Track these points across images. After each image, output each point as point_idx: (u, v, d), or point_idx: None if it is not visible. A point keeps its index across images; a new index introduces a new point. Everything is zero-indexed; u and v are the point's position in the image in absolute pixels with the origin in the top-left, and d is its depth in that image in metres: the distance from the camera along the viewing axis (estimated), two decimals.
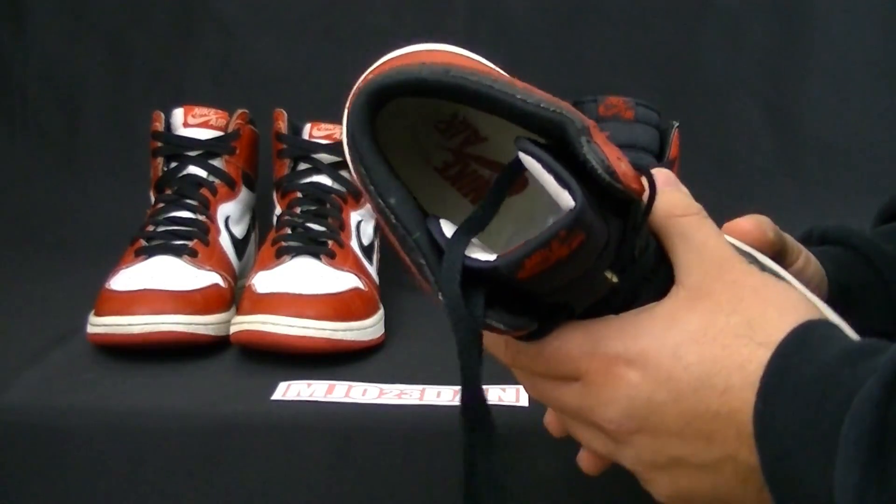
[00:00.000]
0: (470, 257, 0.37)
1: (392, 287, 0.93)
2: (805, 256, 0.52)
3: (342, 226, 0.87)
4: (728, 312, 0.40)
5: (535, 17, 1.18)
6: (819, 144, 1.17)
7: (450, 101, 0.40)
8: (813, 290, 0.50)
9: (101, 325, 0.76)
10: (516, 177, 0.42)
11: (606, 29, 1.18)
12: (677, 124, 0.89)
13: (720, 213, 1.24)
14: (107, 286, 0.79)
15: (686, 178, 0.93)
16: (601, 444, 0.43)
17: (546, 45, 1.18)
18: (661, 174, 0.43)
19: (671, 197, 0.43)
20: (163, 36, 1.20)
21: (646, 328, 0.40)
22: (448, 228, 0.39)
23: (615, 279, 0.39)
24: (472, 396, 0.39)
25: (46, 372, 0.75)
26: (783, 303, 0.41)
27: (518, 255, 0.36)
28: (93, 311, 0.78)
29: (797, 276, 0.50)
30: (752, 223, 0.49)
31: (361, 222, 0.89)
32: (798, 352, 0.37)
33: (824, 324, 0.39)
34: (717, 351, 0.39)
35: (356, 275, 0.83)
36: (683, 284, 0.41)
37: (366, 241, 0.89)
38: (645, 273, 0.41)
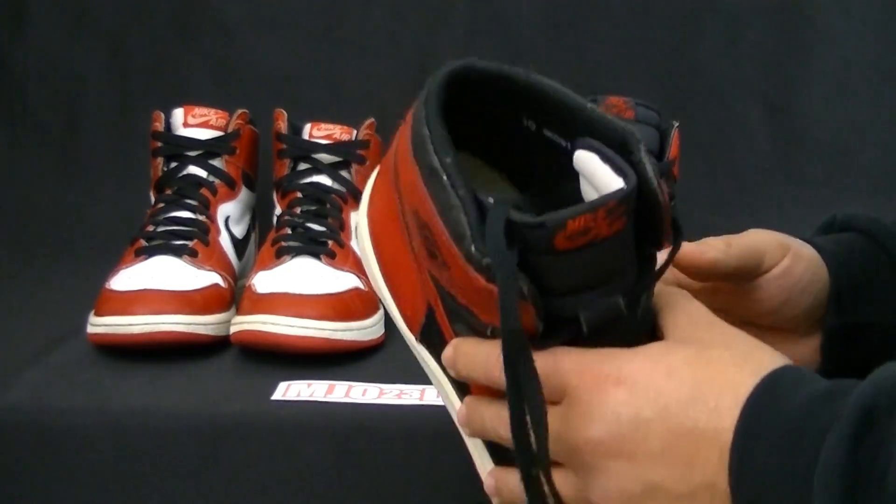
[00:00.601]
0: (514, 214, 0.38)
1: None
2: (793, 255, 0.51)
3: (342, 226, 0.87)
4: (721, 347, 0.40)
5: (536, 17, 1.18)
6: (819, 144, 1.17)
7: (522, 100, 0.43)
8: (801, 291, 0.51)
9: (101, 325, 0.76)
10: (569, 178, 0.43)
11: (606, 29, 1.18)
12: (677, 124, 0.89)
13: (720, 213, 1.25)
14: (107, 286, 0.79)
15: (686, 178, 0.93)
16: (567, 481, 0.41)
17: (546, 45, 1.18)
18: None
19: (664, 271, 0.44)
20: (163, 36, 1.20)
21: (639, 354, 0.40)
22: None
23: (624, 310, 0.40)
24: (513, 326, 0.38)
25: (46, 372, 0.75)
26: (772, 350, 0.41)
27: (565, 213, 0.37)
28: (93, 311, 0.78)
29: (781, 277, 0.50)
30: (691, 248, 0.49)
31: None
32: (783, 383, 0.37)
33: (805, 370, 0.39)
34: (709, 372, 0.39)
35: (356, 275, 0.83)
36: (673, 336, 0.42)
37: None
38: (642, 330, 0.42)
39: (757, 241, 0.51)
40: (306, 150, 0.89)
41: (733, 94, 1.18)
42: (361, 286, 0.82)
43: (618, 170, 0.39)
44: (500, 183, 0.47)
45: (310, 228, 0.85)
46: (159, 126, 0.91)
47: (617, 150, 0.40)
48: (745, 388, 0.37)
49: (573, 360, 0.40)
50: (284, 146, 0.90)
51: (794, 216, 1.14)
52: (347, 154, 0.90)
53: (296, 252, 0.82)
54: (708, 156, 1.14)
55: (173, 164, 0.89)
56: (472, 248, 0.38)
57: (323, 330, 0.75)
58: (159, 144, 0.90)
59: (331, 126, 0.91)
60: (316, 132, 0.90)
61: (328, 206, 0.87)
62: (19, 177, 1.21)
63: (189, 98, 0.95)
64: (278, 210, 0.89)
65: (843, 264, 0.52)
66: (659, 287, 0.43)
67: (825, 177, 1.16)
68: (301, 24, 1.19)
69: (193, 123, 0.90)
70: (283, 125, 0.91)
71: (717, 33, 1.18)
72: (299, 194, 0.88)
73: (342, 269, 0.82)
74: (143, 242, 0.84)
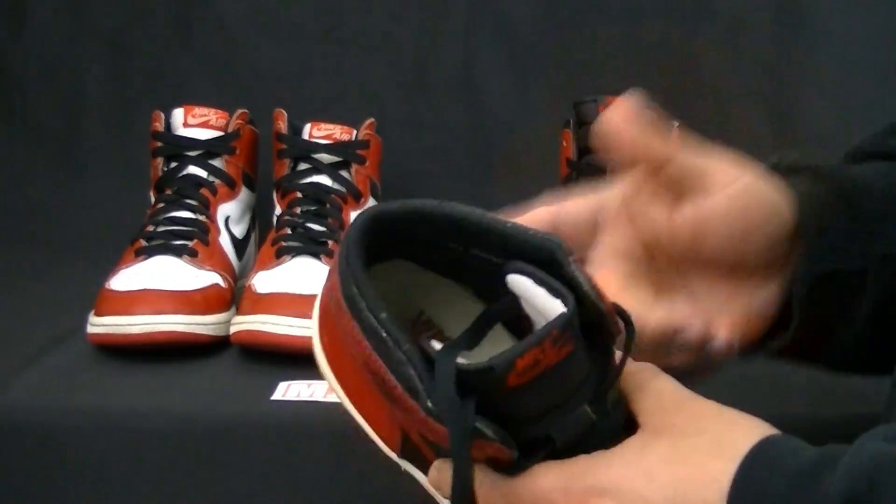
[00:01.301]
0: (462, 363, 0.38)
1: None
2: (750, 181, 0.47)
3: (342, 226, 0.87)
4: (694, 434, 0.40)
5: (536, 17, 1.18)
6: (819, 144, 1.17)
7: (443, 231, 0.42)
8: (762, 222, 0.46)
9: (101, 325, 0.76)
10: (504, 310, 0.42)
11: (606, 29, 1.18)
12: (677, 124, 0.89)
13: None
14: (107, 286, 0.79)
15: None
16: None
17: (546, 45, 1.18)
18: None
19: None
20: (163, 36, 1.20)
21: (616, 459, 0.40)
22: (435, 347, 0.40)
23: (594, 416, 0.40)
24: (465, 498, 0.39)
25: (46, 372, 0.75)
26: (745, 422, 0.41)
27: (512, 353, 0.37)
28: (93, 311, 0.78)
29: (744, 195, 0.46)
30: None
31: None
32: (762, 464, 0.37)
33: (785, 437, 0.39)
34: (689, 469, 0.38)
35: None
36: (647, 425, 0.41)
37: None
38: (616, 425, 0.42)
39: (707, 150, 0.47)
40: (306, 150, 0.89)
41: (733, 94, 1.18)
42: None
43: (553, 291, 0.39)
44: (440, 286, 0.46)
45: (310, 228, 0.85)
46: (159, 126, 0.91)
47: (547, 267, 0.40)
48: (726, 478, 0.37)
49: (554, 478, 0.40)
50: (284, 146, 0.90)
51: None
52: (347, 154, 0.90)
53: (296, 252, 0.82)
54: None
55: (173, 164, 0.89)
56: (429, 403, 0.38)
57: None
58: (159, 144, 0.90)
59: (331, 126, 0.91)
60: (316, 132, 0.90)
61: (328, 206, 0.87)
62: (19, 177, 1.21)
63: (189, 98, 0.95)
64: (278, 210, 0.89)
65: (809, 206, 0.48)
66: (626, 368, 0.43)
67: None
68: (301, 24, 1.19)
69: (193, 123, 0.90)
70: (283, 125, 0.91)
71: (717, 33, 1.18)
72: (299, 194, 0.88)
73: None
74: (143, 242, 0.84)
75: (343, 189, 0.89)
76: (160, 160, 0.90)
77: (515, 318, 0.42)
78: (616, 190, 0.49)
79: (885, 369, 0.51)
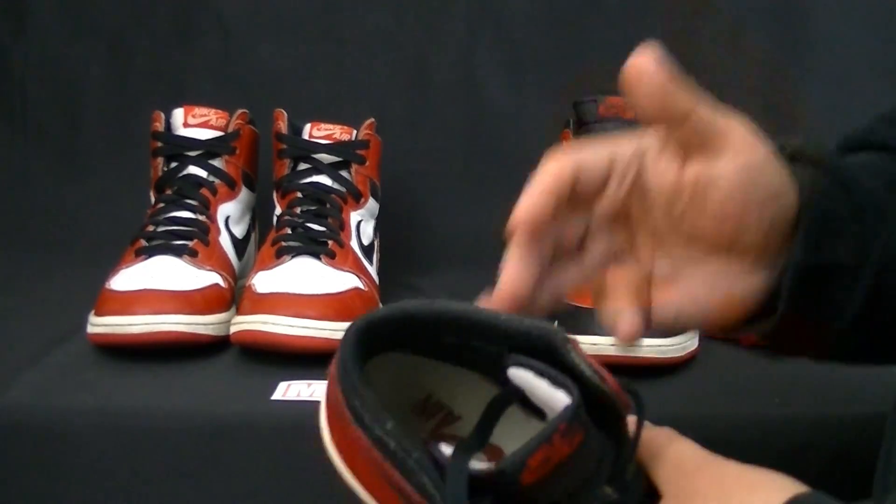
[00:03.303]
0: (474, 467, 0.38)
1: (392, 287, 0.93)
2: (766, 153, 0.46)
3: (342, 226, 0.87)
4: (717, 501, 0.39)
5: (535, 17, 1.18)
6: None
7: (437, 330, 0.42)
8: (765, 200, 0.45)
9: (101, 325, 0.76)
10: (508, 400, 0.42)
11: (606, 29, 1.18)
12: None
13: None
14: (107, 286, 0.79)
15: None
16: None
17: (546, 45, 1.18)
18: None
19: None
20: (163, 36, 1.20)
21: None
22: (445, 451, 0.40)
23: (615, 496, 0.40)
24: None
25: (46, 372, 0.75)
26: (767, 484, 0.40)
27: (522, 453, 0.37)
28: (93, 311, 0.78)
29: (750, 170, 0.45)
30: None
31: (361, 222, 0.89)
32: None
33: (813, 494, 0.38)
34: None
35: (356, 275, 0.83)
36: (669, 493, 0.41)
37: (366, 241, 0.89)
38: (639, 497, 0.41)
39: (728, 114, 0.46)
40: (306, 150, 0.89)
41: (733, 94, 1.18)
42: (361, 286, 0.82)
43: (556, 383, 0.39)
44: (445, 369, 0.46)
45: (310, 228, 0.85)
46: (159, 126, 0.91)
47: (546, 357, 0.40)
48: None
49: None
50: (284, 146, 0.90)
51: None
52: (347, 154, 0.90)
53: (296, 252, 0.82)
54: None
55: (173, 164, 0.89)
56: None
57: (323, 330, 0.75)
58: (159, 144, 0.90)
59: (331, 126, 0.91)
60: (316, 132, 0.90)
61: (328, 206, 0.87)
62: (19, 177, 1.21)
63: (189, 98, 0.95)
64: (278, 210, 0.89)
65: (810, 195, 0.47)
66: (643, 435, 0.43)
67: None
68: (301, 24, 1.19)
69: (193, 123, 0.90)
70: (283, 125, 0.91)
71: (717, 33, 1.18)
72: (299, 194, 0.88)
73: (342, 269, 0.82)
74: (143, 242, 0.84)
75: (343, 189, 0.89)
76: (160, 160, 0.90)
77: (526, 397, 0.42)
78: (631, 141, 0.48)
79: (869, 362, 0.51)
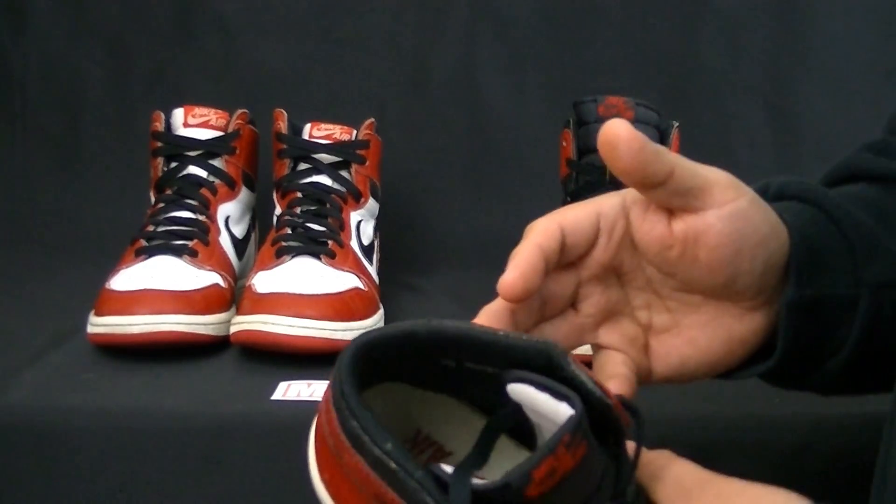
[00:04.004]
0: (476, 484, 0.38)
1: (392, 287, 0.93)
2: (751, 199, 0.46)
3: (342, 226, 0.87)
4: None
5: (535, 17, 1.18)
6: (819, 144, 1.17)
7: (435, 350, 0.42)
8: (755, 245, 0.45)
9: (101, 325, 0.76)
10: (507, 419, 0.42)
11: (606, 29, 1.18)
12: (677, 124, 0.89)
13: None
14: (107, 286, 0.79)
15: None
16: None
17: (546, 45, 1.18)
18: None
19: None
20: (163, 36, 1.20)
21: None
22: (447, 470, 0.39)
23: None
24: None
25: (46, 372, 0.75)
26: (771, 497, 0.40)
27: (527, 466, 0.36)
28: (93, 311, 0.78)
29: (735, 219, 0.45)
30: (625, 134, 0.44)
31: (361, 222, 0.89)
32: None
33: None
34: None
35: (356, 275, 0.83)
36: None
37: (366, 241, 0.89)
38: None
39: (706, 169, 0.46)
40: (306, 150, 0.89)
41: (733, 94, 1.18)
42: (361, 286, 0.82)
43: (557, 395, 0.38)
44: (435, 402, 0.46)
45: (310, 228, 0.85)
46: (159, 126, 0.91)
47: (546, 371, 0.40)
48: None
49: None
50: (284, 146, 0.90)
51: None
52: (347, 154, 0.90)
53: (296, 252, 0.82)
54: (708, 156, 1.14)
55: (173, 164, 0.89)
56: None
57: (323, 330, 0.75)
58: (159, 144, 0.90)
59: (331, 126, 0.91)
60: (316, 132, 0.90)
61: (328, 206, 0.87)
62: (19, 177, 1.21)
63: (189, 98, 0.95)
64: (278, 210, 0.89)
65: (800, 232, 0.47)
66: (642, 457, 0.43)
67: None
68: (301, 24, 1.19)
69: (193, 123, 0.90)
70: (283, 125, 0.91)
71: (717, 33, 1.18)
72: (299, 194, 0.88)
73: (342, 269, 0.82)
74: (143, 242, 0.84)
75: (343, 189, 0.89)
76: (160, 160, 0.90)
77: (518, 425, 0.41)
78: (615, 198, 0.48)
79: (871, 390, 0.51)
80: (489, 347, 0.41)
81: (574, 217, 0.47)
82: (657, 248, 0.47)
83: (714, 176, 0.46)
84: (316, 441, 0.44)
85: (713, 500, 0.40)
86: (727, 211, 0.45)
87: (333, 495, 0.44)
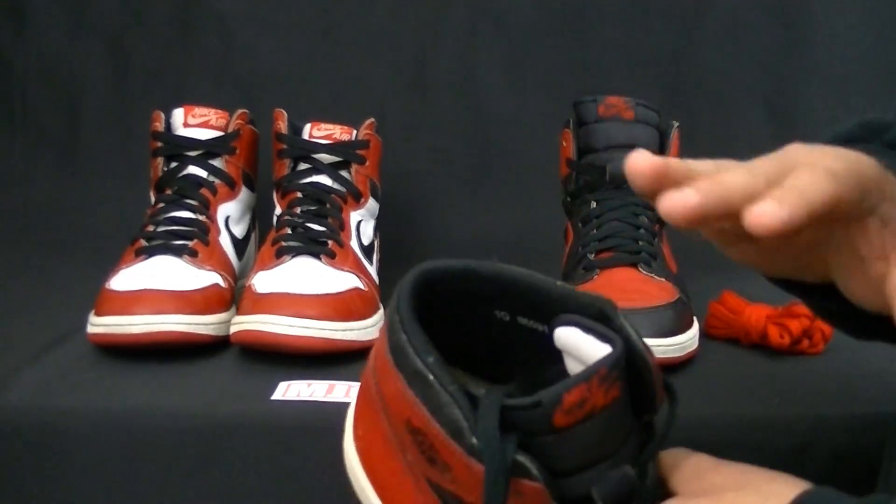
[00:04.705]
0: (507, 399, 0.38)
1: (392, 287, 0.93)
2: (892, 190, 0.40)
3: (342, 226, 0.87)
4: (736, 488, 0.39)
5: (536, 17, 1.18)
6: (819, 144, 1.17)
7: (492, 293, 0.42)
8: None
9: (101, 325, 0.76)
10: (552, 361, 0.43)
11: (606, 29, 1.18)
12: (677, 124, 0.89)
13: None
14: (107, 286, 0.79)
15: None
16: None
17: (546, 45, 1.18)
18: None
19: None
20: (163, 36, 1.20)
21: None
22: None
23: (636, 478, 0.40)
24: None
25: (46, 372, 0.75)
26: (784, 477, 0.40)
27: (560, 388, 0.37)
28: (93, 311, 0.78)
29: (891, 222, 0.40)
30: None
31: (361, 222, 0.89)
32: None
33: (826, 489, 0.38)
34: None
35: (356, 275, 0.83)
36: (685, 491, 0.41)
37: (366, 241, 0.89)
38: (655, 493, 0.42)
39: (858, 163, 0.39)
40: (306, 150, 0.89)
41: (733, 94, 1.18)
42: (361, 286, 0.82)
43: (602, 337, 0.39)
44: (481, 387, 0.46)
45: (310, 228, 0.85)
46: (159, 126, 0.91)
47: (596, 321, 0.40)
48: None
49: None
50: (284, 146, 0.90)
51: None
52: (347, 154, 0.90)
53: (296, 252, 0.82)
54: (708, 156, 1.14)
55: (173, 164, 0.89)
56: (474, 440, 0.38)
57: (323, 330, 0.75)
58: (159, 144, 0.90)
59: (331, 126, 0.91)
60: (316, 132, 0.90)
61: (328, 206, 0.87)
62: (19, 177, 1.21)
63: (189, 98, 0.95)
64: (278, 210, 0.89)
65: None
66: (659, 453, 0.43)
67: None
68: (301, 24, 1.19)
69: (193, 123, 0.90)
70: (283, 125, 0.91)
71: (717, 33, 1.18)
72: (299, 194, 0.88)
73: (342, 269, 0.82)
74: (143, 242, 0.84)
75: (343, 189, 0.89)
76: (160, 160, 0.90)
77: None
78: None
79: None
80: (543, 296, 0.42)
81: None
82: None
83: (864, 166, 0.41)
84: (359, 396, 0.46)
85: (729, 476, 0.40)
86: (887, 212, 0.41)
87: (363, 451, 0.45)
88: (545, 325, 0.42)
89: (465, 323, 0.45)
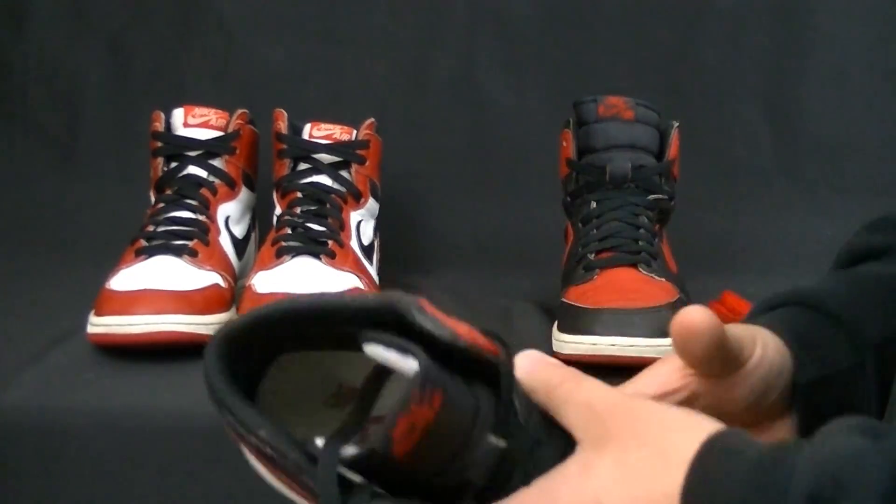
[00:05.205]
0: (347, 453, 0.38)
1: (392, 287, 0.93)
2: (762, 342, 0.49)
3: (342, 226, 0.87)
4: (636, 448, 0.39)
5: (536, 17, 1.18)
6: (819, 144, 1.17)
7: (289, 332, 0.42)
8: (776, 376, 0.49)
9: (101, 325, 0.76)
10: (383, 378, 0.42)
11: (606, 29, 1.18)
12: (677, 124, 0.89)
13: (720, 213, 1.24)
14: (107, 286, 0.79)
15: (686, 178, 0.93)
16: None
17: (546, 45, 1.18)
18: (528, 357, 0.43)
19: (544, 373, 0.42)
20: (163, 36, 1.20)
21: (561, 487, 0.39)
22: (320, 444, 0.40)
23: (502, 443, 0.39)
24: None
25: (46, 372, 0.75)
26: (683, 423, 0.40)
27: (385, 427, 0.36)
28: (93, 311, 0.78)
29: (760, 366, 0.48)
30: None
31: (361, 222, 0.89)
32: (711, 467, 0.37)
33: (730, 432, 0.38)
34: (638, 487, 0.38)
35: (356, 275, 0.83)
36: (584, 440, 0.40)
37: (366, 241, 0.89)
38: (537, 436, 0.41)
39: (735, 329, 0.48)
40: (306, 150, 0.89)
41: (733, 94, 1.18)
42: (361, 286, 0.82)
43: (402, 350, 0.38)
44: (346, 357, 0.45)
45: (310, 228, 0.85)
46: (159, 126, 0.91)
47: (396, 325, 0.39)
48: (676, 487, 0.37)
49: None
50: (284, 146, 0.90)
51: (794, 216, 1.14)
52: (347, 154, 0.90)
53: (296, 252, 0.82)
54: (708, 156, 1.14)
55: (173, 164, 0.89)
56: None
57: None
58: (159, 144, 0.90)
59: (331, 126, 0.91)
60: (316, 132, 0.90)
61: (328, 206, 0.87)
62: (19, 177, 1.21)
63: (189, 98, 0.95)
64: (278, 210, 0.89)
65: (788, 328, 0.51)
66: (544, 378, 0.42)
67: (825, 177, 1.16)
68: (301, 24, 1.19)
69: (193, 123, 0.90)
70: (283, 125, 0.91)
71: (717, 33, 1.18)
72: (299, 194, 0.88)
73: (342, 269, 0.82)
74: (143, 242, 0.84)
75: (343, 189, 0.89)
76: (160, 160, 0.90)
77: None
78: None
79: None
80: (340, 314, 0.41)
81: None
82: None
83: (738, 331, 0.48)
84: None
85: (626, 426, 0.40)
86: (752, 363, 0.48)
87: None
88: (352, 329, 0.41)
89: (329, 343, 0.44)
